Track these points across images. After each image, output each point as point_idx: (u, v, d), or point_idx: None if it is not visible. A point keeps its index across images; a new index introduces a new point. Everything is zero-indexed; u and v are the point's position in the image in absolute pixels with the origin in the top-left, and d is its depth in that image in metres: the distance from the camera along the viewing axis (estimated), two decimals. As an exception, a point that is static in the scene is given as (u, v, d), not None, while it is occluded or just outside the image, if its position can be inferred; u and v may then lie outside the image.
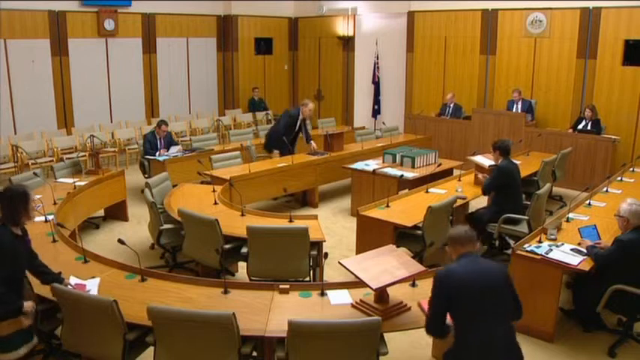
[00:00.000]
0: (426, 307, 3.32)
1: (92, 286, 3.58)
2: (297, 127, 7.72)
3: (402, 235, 5.05)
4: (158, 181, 5.89)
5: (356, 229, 5.40)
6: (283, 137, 7.51)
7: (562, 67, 9.38)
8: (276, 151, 7.68)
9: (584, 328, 4.39)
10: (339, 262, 3.50)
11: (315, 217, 4.99)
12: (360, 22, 12.21)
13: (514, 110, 9.36)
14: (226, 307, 3.32)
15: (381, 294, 3.32)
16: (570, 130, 8.65)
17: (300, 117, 7.67)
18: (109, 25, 10.48)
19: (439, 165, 6.88)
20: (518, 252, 4.28)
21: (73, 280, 3.61)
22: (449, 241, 3.05)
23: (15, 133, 9.42)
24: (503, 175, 5.54)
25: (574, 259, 4.11)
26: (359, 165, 7.14)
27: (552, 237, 4.52)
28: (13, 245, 3.25)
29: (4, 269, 3.20)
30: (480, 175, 6.12)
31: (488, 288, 2.86)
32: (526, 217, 5.40)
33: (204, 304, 3.42)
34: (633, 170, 6.96)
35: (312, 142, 7.90)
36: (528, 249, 4.29)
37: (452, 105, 10.09)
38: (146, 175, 7.67)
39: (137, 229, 6.65)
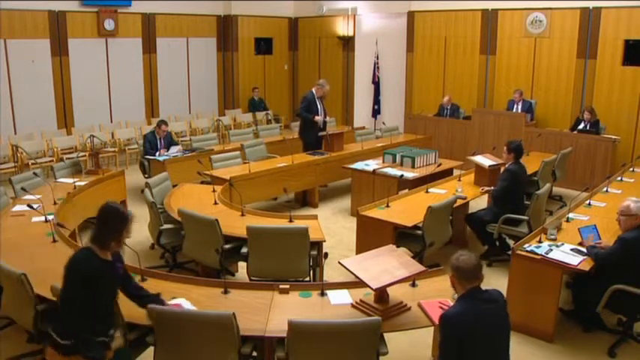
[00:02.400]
0: (426, 307, 3.33)
1: (187, 305, 3.40)
2: (319, 106, 7.93)
3: (402, 235, 5.04)
4: (158, 181, 5.89)
5: (356, 229, 5.40)
6: (309, 115, 7.84)
7: (562, 67, 9.38)
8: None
9: (584, 328, 4.39)
10: (339, 262, 3.50)
11: (315, 217, 4.99)
12: (360, 22, 12.21)
13: (514, 110, 9.36)
14: (226, 307, 3.32)
15: (381, 294, 3.32)
16: (568, 130, 8.69)
17: (317, 95, 7.92)
18: (109, 25, 10.48)
19: (439, 165, 6.88)
20: (518, 252, 4.28)
21: (172, 301, 3.40)
22: (455, 272, 2.83)
23: (15, 133, 9.42)
24: (514, 179, 5.56)
25: (574, 259, 4.11)
26: (359, 165, 7.14)
27: (552, 237, 4.52)
28: (98, 272, 2.85)
29: (88, 299, 2.82)
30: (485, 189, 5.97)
31: (497, 328, 2.82)
32: (526, 218, 5.41)
33: (204, 304, 3.41)
34: (633, 170, 6.97)
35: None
36: (528, 249, 4.29)
37: (449, 107, 10.10)
38: (146, 175, 7.67)
39: (137, 229, 6.61)
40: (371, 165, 7.08)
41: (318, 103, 7.92)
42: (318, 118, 7.87)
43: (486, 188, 5.89)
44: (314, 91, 7.93)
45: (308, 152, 7.83)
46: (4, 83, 9.37)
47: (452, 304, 3.33)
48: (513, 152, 5.64)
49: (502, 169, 5.89)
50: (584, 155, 8.24)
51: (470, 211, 6.04)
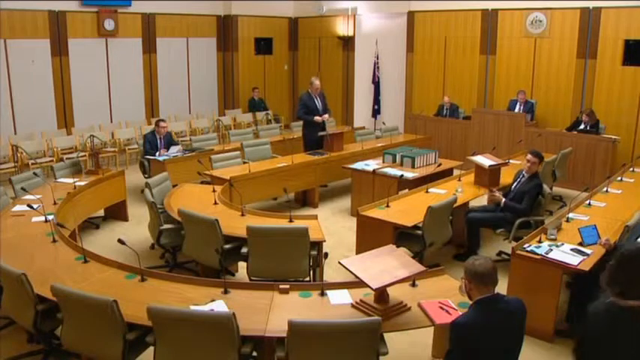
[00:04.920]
0: (426, 307, 3.33)
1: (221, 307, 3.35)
2: (317, 105, 7.93)
3: (402, 235, 5.04)
4: (158, 181, 5.89)
5: (356, 229, 5.40)
6: (308, 117, 7.86)
7: (562, 67, 9.38)
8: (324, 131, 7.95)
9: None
10: (339, 262, 3.50)
11: (315, 217, 4.99)
12: (360, 22, 12.21)
13: (516, 110, 9.37)
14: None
15: (381, 294, 3.32)
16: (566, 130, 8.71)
17: (313, 94, 7.92)
18: (109, 25, 10.48)
19: (439, 165, 6.88)
20: (518, 252, 4.28)
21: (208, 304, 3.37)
22: (471, 277, 2.76)
23: (15, 133, 9.42)
24: (542, 190, 5.49)
25: (574, 259, 4.11)
26: (359, 165, 7.14)
27: (552, 237, 4.52)
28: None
29: None
30: (496, 193, 5.63)
31: (510, 338, 2.79)
32: (542, 218, 5.37)
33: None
34: (633, 170, 6.96)
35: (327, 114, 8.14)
36: (528, 249, 4.29)
37: (448, 107, 10.11)
38: (146, 175, 7.67)
39: (137, 229, 6.65)
40: (371, 165, 7.08)
41: (316, 100, 7.92)
42: (318, 119, 7.86)
43: (515, 205, 5.49)
44: (310, 91, 7.93)
45: (308, 152, 7.83)
46: (4, 83, 9.37)
47: (452, 304, 3.34)
48: (542, 162, 5.55)
49: (524, 178, 5.60)
50: (584, 155, 8.23)
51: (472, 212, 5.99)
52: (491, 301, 2.75)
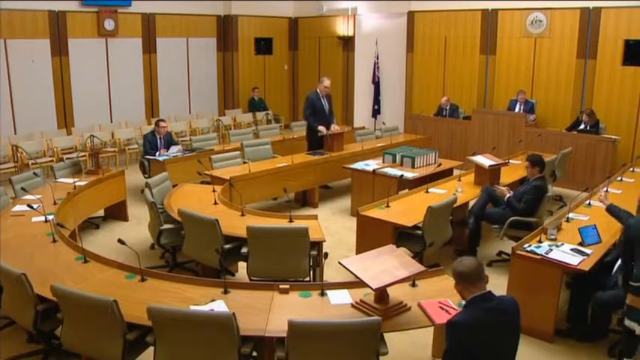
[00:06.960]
0: (426, 307, 3.33)
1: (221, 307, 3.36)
2: (324, 106, 7.82)
3: (402, 235, 5.04)
4: (158, 181, 5.89)
5: (356, 229, 5.40)
6: (314, 123, 7.71)
7: (562, 67, 9.38)
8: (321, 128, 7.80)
9: (589, 339, 4.24)
10: (339, 262, 3.49)
11: (315, 217, 4.99)
12: (360, 22, 12.21)
13: (516, 110, 9.37)
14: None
15: (381, 294, 3.32)
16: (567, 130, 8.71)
17: (321, 94, 7.78)
18: (109, 25, 10.48)
19: (439, 165, 6.88)
20: (518, 252, 4.28)
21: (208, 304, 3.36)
22: (458, 278, 2.80)
23: (15, 133, 9.42)
24: (541, 195, 5.48)
25: (574, 259, 4.11)
26: (359, 165, 7.14)
27: (552, 237, 4.52)
28: None
29: None
30: (500, 188, 5.73)
31: (507, 336, 2.79)
32: (535, 220, 5.37)
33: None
34: (633, 170, 6.97)
35: (333, 124, 7.99)
36: (528, 249, 4.29)
37: (448, 107, 10.11)
38: (146, 175, 7.67)
39: (137, 229, 6.64)
40: (371, 165, 7.08)
41: (323, 101, 7.82)
42: (323, 129, 7.71)
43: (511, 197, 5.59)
44: (319, 91, 7.77)
45: (308, 152, 7.82)
46: (4, 83, 9.37)
47: (452, 304, 3.34)
48: (538, 167, 5.55)
49: (526, 182, 5.69)
50: (584, 155, 8.24)
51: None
52: (485, 299, 2.76)
